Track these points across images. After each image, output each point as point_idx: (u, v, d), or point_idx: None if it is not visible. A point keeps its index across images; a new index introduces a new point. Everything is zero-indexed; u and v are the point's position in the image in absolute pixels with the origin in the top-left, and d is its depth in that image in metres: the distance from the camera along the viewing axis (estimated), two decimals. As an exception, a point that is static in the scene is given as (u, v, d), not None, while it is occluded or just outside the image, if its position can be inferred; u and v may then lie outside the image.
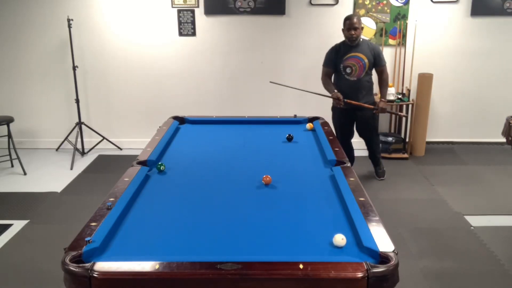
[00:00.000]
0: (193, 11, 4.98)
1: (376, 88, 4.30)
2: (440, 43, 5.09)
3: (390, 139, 5.01)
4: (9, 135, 4.64)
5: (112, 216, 1.89)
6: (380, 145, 4.57)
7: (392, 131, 5.32)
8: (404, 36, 5.02)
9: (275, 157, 2.84)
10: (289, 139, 3.13)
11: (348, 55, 3.88)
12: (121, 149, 5.36)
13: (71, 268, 1.52)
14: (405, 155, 5.03)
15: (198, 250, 1.72)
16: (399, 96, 4.95)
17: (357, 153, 4.43)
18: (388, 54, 5.02)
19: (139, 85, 5.24)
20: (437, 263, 2.96)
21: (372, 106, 3.95)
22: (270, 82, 4.25)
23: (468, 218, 3.59)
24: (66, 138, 5.19)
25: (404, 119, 5.12)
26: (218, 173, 2.57)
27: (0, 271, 2.90)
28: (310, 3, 4.94)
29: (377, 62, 3.92)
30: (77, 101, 5.07)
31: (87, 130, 5.27)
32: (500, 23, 5.01)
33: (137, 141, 5.08)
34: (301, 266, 1.52)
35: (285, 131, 3.23)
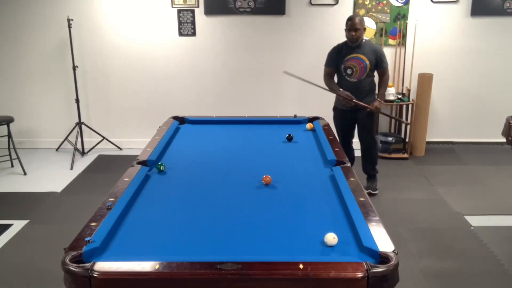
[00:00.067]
0: (193, 11, 4.98)
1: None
2: (440, 43, 5.09)
3: (390, 139, 5.01)
4: (9, 135, 4.64)
5: (112, 216, 1.89)
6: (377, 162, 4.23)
7: (392, 131, 5.32)
8: (404, 36, 5.02)
9: (275, 157, 2.84)
10: (289, 139, 3.13)
11: (349, 56, 3.80)
12: (121, 149, 5.36)
13: (71, 268, 1.52)
14: (405, 155, 5.03)
15: (198, 250, 1.72)
16: (399, 96, 4.95)
17: (357, 153, 4.44)
18: (388, 54, 5.01)
19: (139, 85, 5.25)
20: (437, 263, 2.96)
21: (367, 105, 3.81)
22: (284, 72, 4.04)
23: (468, 218, 3.59)
24: (66, 138, 5.19)
25: (404, 120, 5.11)
26: (218, 173, 2.57)
27: (0, 271, 2.90)
28: (310, 3, 4.95)
29: (379, 64, 3.83)
30: (77, 101, 5.07)
31: (87, 130, 5.27)
32: (500, 23, 5.01)
33: (137, 141, 5.08)
34: (301, 266, 1.52)
35: (285, 131, 3.23)
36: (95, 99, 5.31)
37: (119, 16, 5.01)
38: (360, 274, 1.48)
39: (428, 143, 5.28)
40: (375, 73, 3.96)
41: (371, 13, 4.96)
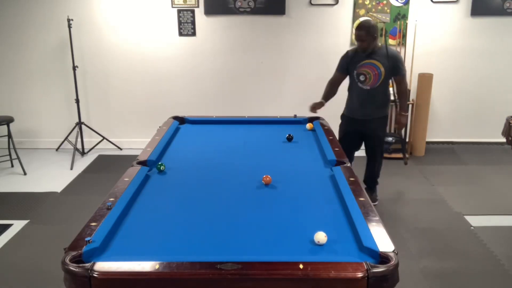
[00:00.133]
0: (193, 11, 4.98)
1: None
2: (440, 43, 5.09)
3: (390, 139, 5.00)
4: (9, 135, 4.64)
5: (112, 216, 1.89)
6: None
7: (392, 131, 5.31)
8: (404, 36, 5.02)
9: (275, 157, 2.84)
10: (289, 139, 3.13)
11: (363, 61, 3.47)
12: (121, 149, 5.36)
13: (71, 268, 1.52)
14: (405, 155, 5.03)
15: (198, 250, 1.72)
16: (399, 96, 4.94)
17: (357, 153, 4.43)
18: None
19: (139, 85, 5.24)
20: (437, 263, 2.96)
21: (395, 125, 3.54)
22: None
23: (468, 218, 3.59)
24: (66, 138, 5.19)
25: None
26: (218, 173, 2.57)
27: (0, 271, 2.90)
28: (310, 3, 4.95)
29: (395, 71, 3.47)
30: (77, 101, 5.07)
31: (87, 130, 5.27)
32: (500, 23, 5.01)
33: (137, 141, 5.08)
34: (301, 266, 1.52)
35: (285, 131, 3.23)
36: (95, 99, 5.31)
37: (119, 16, 5.01)
38: (360, 274, 1.48)
39: (428, 143, 5.28)
40: (391, 82, 3.62)
41: (371, 13, 4.95)
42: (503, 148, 5.18)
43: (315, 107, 3.62)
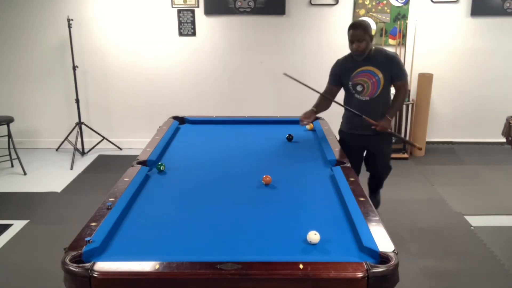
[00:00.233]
0: (193, 11, 4.98)
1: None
2: (440, 43, 5.09)
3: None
4: (9, 135, 4.64)
5: (112, 216, 1.89)
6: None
7: (392, 131, 5.31)
8: (404, 36, 5.02)
9: (275, 157, 2.84)
10: (289, 139, 3.13)
11: (358, 69, 3.02)
12: (121, 149, 5.36)
13: (71, 268, 1.52)
14: (405, 155, 5.03)
15: (198, 250, 1.72)
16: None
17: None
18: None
19: (139, 85, 5.24)
20: (437, 263, 2.96)
21: (372, 121, 3.04)
22: (284, 74, 3.43)
23: (468, 218, 3.59)
24: (66, 138, 5.19)
25: (405, 121, 5.10)
26: (218, 173, 2.57)
27: (0, 271, 2.90)
28: (310, 3, 4.95)
29: (395, 76, 3.02)
30: (77, 101, 5.07)
31: (87, 130, 5.27)
32: (500, 23, 5.01)
33: (137, 141, 5.08)
34: (301, 266, 1.52)
35: (285, 131, 3.23)
36: (95, 99, 5.31)
37: (119, 16, 5.01)
38: (360, 274, 1.48)
39: (428, 143, 5.28)
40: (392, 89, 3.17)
41: (371, 13, 4.95)
42: (503, 148, 5.18)
43: (306, 117, 3.10)
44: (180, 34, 5.06)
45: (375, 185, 3.44)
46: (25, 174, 4.62)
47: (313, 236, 1.71)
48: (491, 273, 2.85)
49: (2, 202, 3.97)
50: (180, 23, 5.02)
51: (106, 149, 5.31)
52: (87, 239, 1.66)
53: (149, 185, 2.36)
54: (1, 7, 4.98)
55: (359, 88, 3.06)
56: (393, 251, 1.61)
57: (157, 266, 1.53)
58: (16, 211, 3.75)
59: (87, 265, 1.53)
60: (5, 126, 4.59)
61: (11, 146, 4.67)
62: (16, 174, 4.65)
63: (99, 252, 1.64)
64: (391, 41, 5.03)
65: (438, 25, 5.03)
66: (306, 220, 1.95)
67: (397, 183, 4.31)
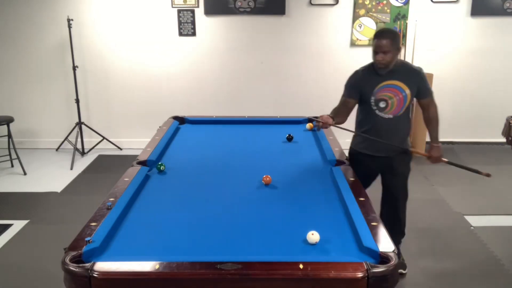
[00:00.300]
0: (193, 11, 4.98)
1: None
2: (440, 43, 5.09)
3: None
4: (9, 135, 4.64)
5: (112, 216, 1.89)
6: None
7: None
8: (404, 36, 5.01)
9: (275, 157, 2.84)
10: (289, 139, 3.13)
11: (383, 83, 2.62)
12: (121, 149, 5.36)
13: (71, 268, 1.52)
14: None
15: (198, 250, 1.72)
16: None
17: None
18: (388, 54, 5.02)
19: (139, 85, 5.24)
20: (437, 263, 2.96)
21: (423, 153, 2.79)
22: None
23: (468, 218, 3.59)
24: (66, 138, 5.19)
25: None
26: (218, 173, 2.57)
27: (0, 271, 2.90)
28: (310, 3, 4.95)
29: (423, 92, 2.68)
30: (77, 101, 5.07)
31: (87, 130, 5.27)
32: (500, 23, 5.01)
33: (137, 141, 5.08)
34: (301, 266, 1.52)
35: (285, 131, 3.23)
36: (95, 99, 5.31)
37: (119, 16, 5.01)
38: (360, 274, 1.49)
39: (428, 143, 5.26)
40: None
41: (371, 13, 4.95)
42: (503, 148, 5.18)
43: (325, 122, 2.65)
44: (180, 34, 5.06)
45: (392, 215, 2.86)
46: (25, 174, 4.62)
47: (313, 236, 1.71)
48: (491, 273, 2.85)
49: (2, 202, 3.97)
50: (180, 23, 5.02)
51: (106, 149, 5.31)
52: (87, 239, 1.66)
53: (149, 185, 2.36)
54: (1, 7, 4.98)
55: (382, 104, 2.65)
56: (393, 251, 1.61)
57: (157, 266, 1.53)
58: (16, 211, 3.75)
59: (87, 265, 1.53)
60: (5, 126, 4.59)
61: (11, 146, 4.67)
62: (16, 174, 4.65)
63: (99, 252, 1.64)
64: (391, 41, 5.02)
65: (438, 25, 5.03)
66: (306, 220, 1.95)
67: (397, 183, 4.31)
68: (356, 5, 4.94)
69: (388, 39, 2.49)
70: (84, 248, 1.61)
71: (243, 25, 5.04)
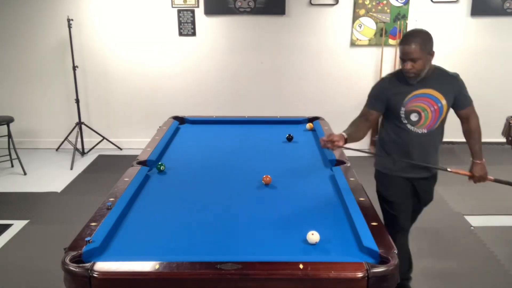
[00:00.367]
0: (193, 11, 4.98)
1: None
2: (440, 43, 5.06)
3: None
4: (9, 135, 4.64)
5: (112, 216, 1.89)
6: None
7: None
8: (404, 36, 5.01)
9: (275, 157, 2.84)
10: (289, 139, 3.13)
11: (414, 93, 2.27)
12: (121, 149, 5.36)
13: (71, 268, 1.52)
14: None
15: (198, 250, 1.72)
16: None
17: (357, 153, 4.41)
18: (388, 54, 5.03)
19: (139, 85, 5.25)
20: (437, 263, 2.96)
21: (464, 172, 2.43)
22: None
23: (468, 218, 3.59)
24: (66, 138, 5.19)
25: None
26: (218, 173, 2.57)
27: (0, 271, 2.90)
28: (310, 3, 4.94)
29: (462, 101, 2.39)
30: (77, 101, 5.07)
31: (87, 130, 5.27)
32: (500, 23, 5.01)
33: (137, 141, 5.08)
34: (301, 266, 1.52)
35: (285, 131, 3.23)
36: (95, 99, 5.31)
37: (119, 16, 5.01)
38: (360, 274, 1.48)
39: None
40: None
41: (371, 13, 4.95)
42: (503, 148, 5.18)
43: (332, 142, 2.18)
44: (180, 34, 5.06)
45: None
46: (25, 174, 4.62)
47: (313, 236, 1.71)
48: (491, 273, 2.85)
49: (2, 202, 3.97)
50: (180, 23, 5.02)
51: (106, 149, 5.31)
52: (87, 239, 1.66)
53: (149, 185, 2.36)
54: (1, 7, 4.98)
55: (413, 117, 2.31)
56: (393, 251, 1.61)
57: (157, 266, 1.53)
58: (16, 211, 3.75)
59: (87, 265, 1.53)
60: (5, 126, 4.59)
61: (11, 146, 4.67)
62: (16, 174, 4.65)
63: (99, 252, 1.64)
64: (391, 41, 5.03)
65: (438, 25, 5.02)
66: (306, 220, 1.95)
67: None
68: (356, 5, 4.94)
69: (416, 44, 2.13)
70: (84, 248, 1.61)
71: (243, 25, 5.04)
